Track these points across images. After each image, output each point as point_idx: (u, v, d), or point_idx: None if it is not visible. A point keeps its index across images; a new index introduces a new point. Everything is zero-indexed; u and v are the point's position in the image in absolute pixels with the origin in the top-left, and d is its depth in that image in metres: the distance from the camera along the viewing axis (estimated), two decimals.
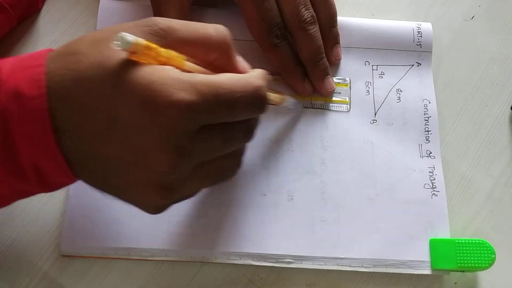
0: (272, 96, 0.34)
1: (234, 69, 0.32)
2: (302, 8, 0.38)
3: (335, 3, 0.41)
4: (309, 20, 0.39)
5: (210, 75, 0.29)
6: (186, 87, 0.27)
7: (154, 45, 0.27)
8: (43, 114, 0.27)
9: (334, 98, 0.41)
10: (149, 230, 0.37)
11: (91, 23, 0.42)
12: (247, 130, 0.32)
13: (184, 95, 0.26)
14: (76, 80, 0.27)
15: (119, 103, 0.27)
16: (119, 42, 0.25)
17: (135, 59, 0.26)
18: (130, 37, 0.25)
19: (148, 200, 0.30)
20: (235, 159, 0.33)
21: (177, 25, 0.29)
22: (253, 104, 0.30)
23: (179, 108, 0.26)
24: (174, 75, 0.27)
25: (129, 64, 0.27)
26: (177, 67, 0.28)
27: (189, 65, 0.29)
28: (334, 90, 0.41)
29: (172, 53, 0.28)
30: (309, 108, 0.41)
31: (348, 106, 0.41)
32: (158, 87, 0.26)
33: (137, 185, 0.29)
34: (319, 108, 0.41)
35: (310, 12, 0.39)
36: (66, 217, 0.37)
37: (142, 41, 0.26)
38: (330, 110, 0.41)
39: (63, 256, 0.36)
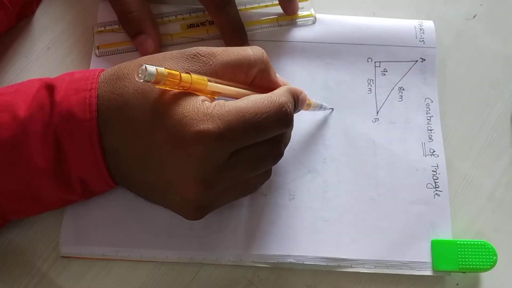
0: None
1: (274, 84, 0.34)
2: None
3: (336, 3, 0.41)
4: None
5: (235, 101, 0.30)
6: (214, 119, 0.28)
7: (175, 72, 0.28)
8: (93, 136, 0.30)
9: (299, 13, 0.42)
10: (150, 231, 0.36)
11: (89, 23, 0.42)
12: (277, 146, 0.33)
13: (211, 127, 0.28)
14: (122, 106, 0.30)
15: (154, 134, 0.29)
16: (142, 75, 0.26)
17: (160, 87, 0.28)
18: (151, 68, 0.26)
19: (184, 214, 0.33)
20: (265, 173, 0.34)
21: (217, 51, 0.32)
22: (278, 121, 0.31)
23: (208, 141, 0.28)
24: (204, 109, 0.29)
25: (166, 96, 0.29)
26: (201, 90, 0.29)
27: (212, 85, 0.30)
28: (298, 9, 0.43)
29: (194, 77, 0.29)
30: (276, 27, 0.42)
31: (314, 18, 0.43)
32: (189, 122, 0.28)
33: (172, 206, 0.33)
34: (287, 26, 0.42)
35: None
36: (65, 218, 0.37)
37: (162, 70, 0.27)
38: (298, 26, 0.42)
39: (62, 257, 0.36)
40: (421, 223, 0.37)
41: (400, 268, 0.36)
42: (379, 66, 0.42)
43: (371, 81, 0.42)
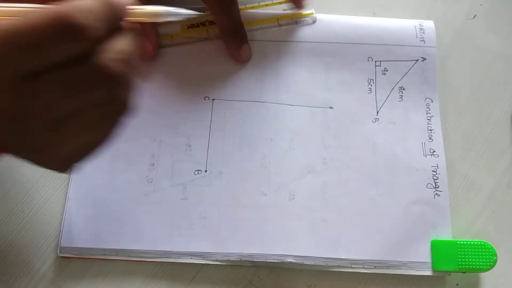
0: (137, 12, 0.29)
1: None
2: None
3: (336, 3, 0.40)
4: None
5: (9, 21, 0.24)
6: None
7: None
8: None
9: (299, 12, 0.42)
10: (149, 231, 0.36)
11: None
12: (92, 66, 0.26)
13: None
14: None
15: None
16: None
17: None
18: None
19: (33, 161, 0.28)
20: (114, 104, 0.28)
21: None
22: (59, 35, 0.25)
23: None
24: None
25: None
26: None
27: None
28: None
29: None
30: (276, 27, 0.42)
31: (314, 17, 0.42)
32: None
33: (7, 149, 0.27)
34: (287, 25, 0.42)
35: None
36: (65, 218, 0.37)
37: None
38: (298, 25, 0.42)
39: (62, 257, 0.36)
40: (421, 223, 0.37)
41: (400, 268, 0.36)
42: (380, 66, 0.42)
43: (372, 80, 0.42)
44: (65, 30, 0.25)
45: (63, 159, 0.28)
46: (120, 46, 0.27)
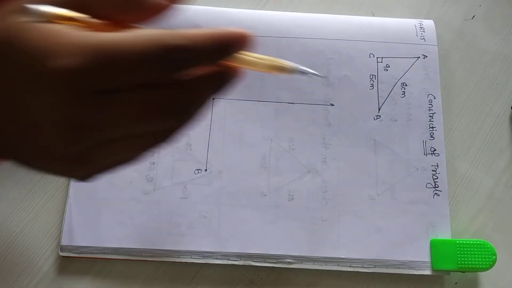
0: (251, 59, 0.27)
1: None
2: None
3: (335, 3, 0.40)
4: None
5: (109, 34, 0.24)
6: (72, 50, 0.23)
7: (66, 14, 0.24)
8: None
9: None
10: (150, 230, 0.36)
11: None
12: (166, 98, 0.25)
13: (66, 62, 0.23)
14: None
15: (5, 74, 0.24)
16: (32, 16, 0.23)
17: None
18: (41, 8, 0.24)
19: (61, 171, 0.27)
20: (155, 135, 0.27)
21: None
22: (159, 62, 0.24)
23: (60, 75, 0.23)
24: (61, 39, 0.23)
25: (21, 28, 0.24)
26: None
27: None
28: None
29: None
30: None
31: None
32: (42, 54, 0.23)
33: (42, 158, 0.27)
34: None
35: None
36: (66, 218, 0.37)
37: (50, 8, 0.24)
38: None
39: (63, 256, 0.36)
40: (420, 223, 0.38)
41: (399, 268, 0.36)
42: (381, 62, 0.42)
43: (374, 76, 0.42)
44: (167, 60, 0.24)
45: (90, 172, 0.28)
46: (207, 86, 0.26)
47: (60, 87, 0.23)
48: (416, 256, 0.37)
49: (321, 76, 0.37)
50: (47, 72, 0.23)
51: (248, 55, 0.27)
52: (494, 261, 0.35)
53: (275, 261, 0.36)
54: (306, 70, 0.29)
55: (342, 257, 0.36)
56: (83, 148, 0.26)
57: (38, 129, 0.25)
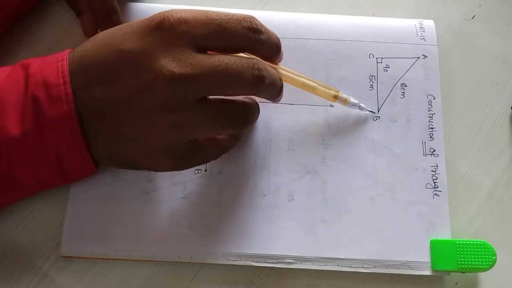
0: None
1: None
2: None
3: (335, 3, 0.40)
4: None
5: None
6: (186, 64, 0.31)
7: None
8: (68, 98, 0.31)
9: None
10: (150, 230, 0.37)
11: None
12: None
13: (182, 70, 0.30)
14: (92, 62, 0.32)
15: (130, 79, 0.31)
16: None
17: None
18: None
19: (156, 161, 0.33)
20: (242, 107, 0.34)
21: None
22: (239, 20, 0.32)
23: (172, 77, 0.30)
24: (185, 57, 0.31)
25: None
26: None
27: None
28: None
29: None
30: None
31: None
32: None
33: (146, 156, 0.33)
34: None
35: None
36: (66, 218, 0.37)
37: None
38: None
39: (63, 256, 0.36)
40: (420, 223, 0.38)
41: (399, 268, 0.36)
42: (381, 62, 0.42)
43: (373, 77, 0.42)
44: (246, 21, 0.32)
45: (175, 162, 0.34)
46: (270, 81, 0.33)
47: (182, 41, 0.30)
48: (416, 257, 0.37)
49: (374, 113, 0.41)
50: (156, 67, 0.30)
51: (289, 71, 0.37)
52: (494, 262, 0.35)
53: (275, 261, 0.36)
54: (363, 107, 0.40)
55: (342, 257, 0.36)
56: (180, 141, 0.32)
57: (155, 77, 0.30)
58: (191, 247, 0.36)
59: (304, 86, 0.37)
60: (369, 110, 0.40)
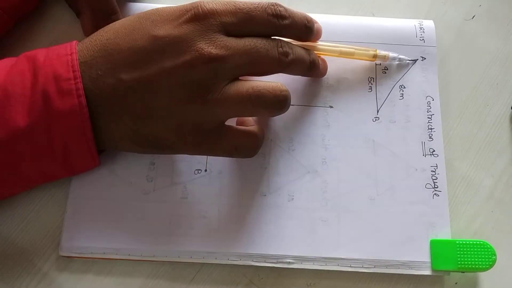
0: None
1: None
2: None
3: (335, 3, 0.40)
4: None
5: None
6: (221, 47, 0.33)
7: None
8: (79, 92, 0.32)
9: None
10: (150, 230, 0.37)
11: None
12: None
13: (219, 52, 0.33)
14: (106, 45, 0.33)
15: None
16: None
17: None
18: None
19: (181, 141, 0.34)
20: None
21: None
22: (264, 7, 0.34)
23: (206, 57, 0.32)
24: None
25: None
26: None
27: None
28: None
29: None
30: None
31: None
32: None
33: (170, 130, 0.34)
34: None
35: None
36: (66, 218, 0.37)
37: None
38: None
39: (63, 256, 0.36)
40: (420, 223, 0.38)
41: (399, 268, 0.36)
42: (380, 64, 0.42)
43: (372, 79, 0.42)
44: (271, 8, 0.35)
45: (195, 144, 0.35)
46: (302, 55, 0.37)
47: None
48: (416, 256, 0.37)
49: (412, 60, 0.42)
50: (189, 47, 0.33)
51: (325, 45, 0.40)
52: (494, 261, 0.35)
53: (275, 261, 0.36)
54: (403, 58, 0.42)
55: (342, 257, 0.36)
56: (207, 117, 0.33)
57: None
58: (191, 247, 0.36)
59: (342, 54, 0.40)
60: (410, 59, 0.42)
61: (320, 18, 0.43)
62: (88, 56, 0.33)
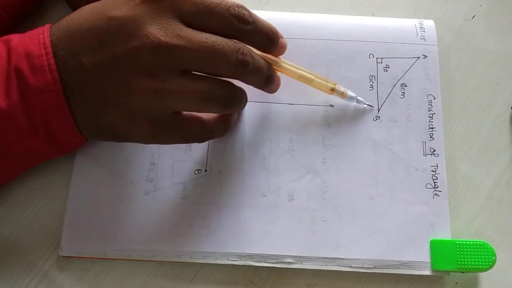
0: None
1: None
2: None
3: (335, 3, 0.40)
4: None
5: None
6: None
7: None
8: (51, 68, 0.31)
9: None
10: (150, 230, 0.37)
11: None
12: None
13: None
14: (75, 27, 0.32)
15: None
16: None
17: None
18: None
19: (141, 132, 0.33)
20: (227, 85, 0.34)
21: None
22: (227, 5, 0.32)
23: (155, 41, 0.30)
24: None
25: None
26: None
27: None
28: None
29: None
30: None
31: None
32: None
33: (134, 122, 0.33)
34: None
35: None
36: (66, 218, 0.37)
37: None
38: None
39: (63, 256, 0.36)
40: (420, 223, 0.38)
41: (399, 268, 0.36)
42: (381, 63, 0.42)
43: (373, 77, 0.42)
44: (234, 9, 0.32)
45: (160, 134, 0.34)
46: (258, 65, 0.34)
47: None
48: (416, 257, 0.37)
49: (370, 106, 0.41)
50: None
51: (287, 63, 0.37)
52: (494, 262, 0.35)
53: (275, 261, 0.36)
54: (360, 100, 0.41)
55: (342, 257, 0.36)
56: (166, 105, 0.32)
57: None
58: (191, 247, 0.36)
59: (302, 78, 0.38)
60: (367, 104, 0.40)
61: (320, 18, 0.43)
62: (55, 36, 0.32)
